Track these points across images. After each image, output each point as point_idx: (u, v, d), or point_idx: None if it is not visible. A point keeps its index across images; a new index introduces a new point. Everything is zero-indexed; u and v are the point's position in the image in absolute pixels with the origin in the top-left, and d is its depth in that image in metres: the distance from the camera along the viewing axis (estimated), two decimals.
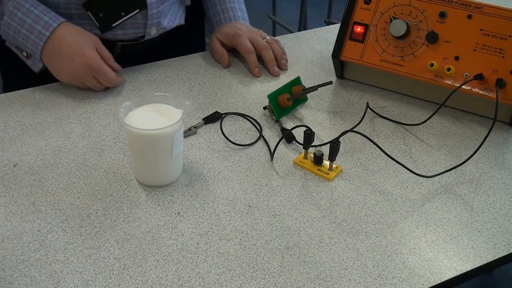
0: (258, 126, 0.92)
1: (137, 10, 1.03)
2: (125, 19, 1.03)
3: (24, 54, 0.97)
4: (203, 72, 1.08)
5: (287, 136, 0.88)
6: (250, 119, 0.94)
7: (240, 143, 0.88)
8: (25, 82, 1.01)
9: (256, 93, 1.01)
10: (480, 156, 0.87)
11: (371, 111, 0.96)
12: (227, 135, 0.89)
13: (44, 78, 0.99)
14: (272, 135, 0.90)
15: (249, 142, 0.88)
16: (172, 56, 1.12)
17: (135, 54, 1.09)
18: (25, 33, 0.94)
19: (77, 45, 0.94)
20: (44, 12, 0.95)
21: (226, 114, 0.94)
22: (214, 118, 0.93)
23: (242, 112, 0.95)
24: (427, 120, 0.93)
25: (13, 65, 1.04)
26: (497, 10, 0.92)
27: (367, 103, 0.96)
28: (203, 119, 0.92)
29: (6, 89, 1.06)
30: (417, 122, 0.94)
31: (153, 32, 1.07)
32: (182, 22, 1.15)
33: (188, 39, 1.20)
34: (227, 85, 1.03)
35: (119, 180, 0.80)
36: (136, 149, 0.78)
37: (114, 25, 1.03)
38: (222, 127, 0.91)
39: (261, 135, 0.90)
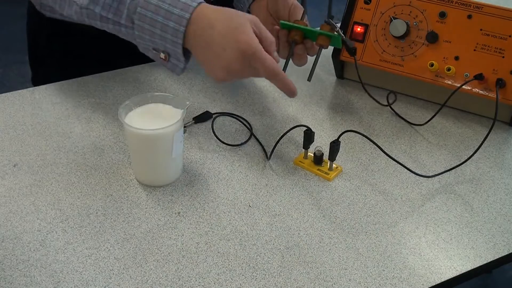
0: (248, 125, 0.92)
1: None
2: None
3: (162, 56, 0.83)
4: (203, 72, 1.07)
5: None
6: (241, 119, 0.93)
7: (231, 143, 0.88)
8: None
9: (256, 93, 1.01)
10: (480, 156, 0.87)
11: (377, 104, 0.97)
12: (224, 136, 0.89)
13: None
14: (267, 136, 0.90)
15: (240, 142, 0.88)
16: None
17: None
18: (162, 21, 0.79)
19: (230, 30, 0.77)
20: None
21: (217, 114, 0.95)
22: (204, 117, 0.93)
23: (236, 113, 0.95)
24: (428, 121, 0.93)
25: (44, 63, 1.04)
26: (497, 10, 0.92)
27: (390, 94, 0.95)
28: (193, 118, 0.92)
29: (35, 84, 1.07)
30: (418, 122, 0.94)
31: None
32: None
33: None
34: (227, 85, 1.03)
35: (119, 180, 0.80)
36: (136, 149, 0.78)
37: None
38: (214, 127, 0.91)
39: (252, 134, 0.90)
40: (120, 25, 0.83)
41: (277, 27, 0.94)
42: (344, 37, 0.92)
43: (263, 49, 0.77)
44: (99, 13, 0.83)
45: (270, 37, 0.79)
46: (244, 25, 0.77)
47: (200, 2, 0.80)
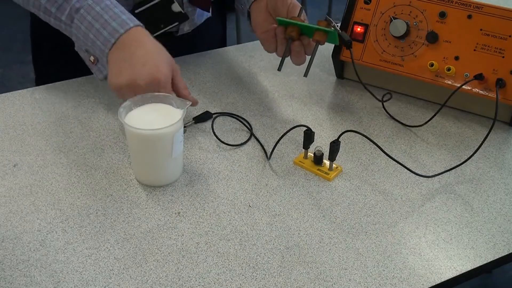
0: (248, 125, 0.92)
1: (177, 23, 1.03)
2: (164, 31, 1.03)
3: (91, 59, 0.88)
4: (203, 72, 1.08)
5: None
6: (241, 119, 0.93)
7: (231, 143, 0.88)
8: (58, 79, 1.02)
9: (256, 93, 1.01)
10: (480, 156, 0.87)
11: (377, 104, 0.96)
12: (224, 136, 0.89)
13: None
14: (267, 136, 0.90)
15: (240, 142, 0.88)
16: (201, 49, 1.12)
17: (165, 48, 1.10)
18: (98, 28, 0.84)
19: (155, 55, 0.83)
20: (123, 12, 0.86)
21: (217, 114, 0.94)
22: (205, 117, 0.93)
23: (236, 113, 0.95)
24: (428, 122, 0.93)
25: (48, 63, 1.04)
26: (497, 10, 0.92)
27: (386, 94, 0.95)
28: (193, 118, 0.92)
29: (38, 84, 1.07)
30: (417, 122, 0.94)
31: (186, 29, 1.09)
32: (210, 14, 1.14)
33: (214, 31, 1.20)
34: (227, 85, 1.03)
35: (119, 180, 0.80)
36: (136, 149, 0.78)
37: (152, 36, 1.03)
38: (214, 127, 0.91)
39: (252, 135, 0.90)
40: (60, 21, 0.88)
41: (274, 25, 0.94)
42: (339, 30, 0.92)
43: (169, 89, 0.83)
44: (44, 4, 0.88)
45: (183, 83, 0.87)
46: (168, 59, 0.84)
47: (138, 25, 0.85)
